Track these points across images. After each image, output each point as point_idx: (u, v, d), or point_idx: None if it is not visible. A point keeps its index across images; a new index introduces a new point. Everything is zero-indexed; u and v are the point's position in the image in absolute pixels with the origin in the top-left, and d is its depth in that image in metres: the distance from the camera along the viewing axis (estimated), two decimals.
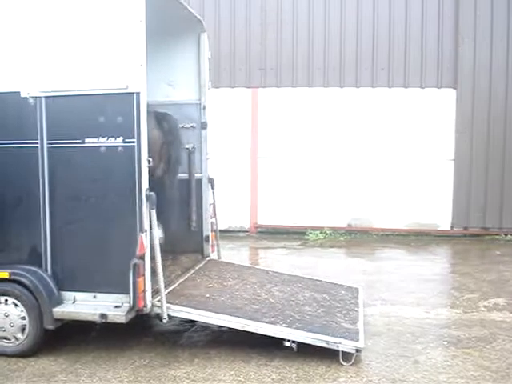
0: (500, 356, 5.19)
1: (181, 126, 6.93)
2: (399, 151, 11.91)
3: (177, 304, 5.25)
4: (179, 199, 6.72)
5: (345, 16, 11.88)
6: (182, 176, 6.97)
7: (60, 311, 5.08)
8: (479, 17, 11.46)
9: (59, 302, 5.15)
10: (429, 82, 11.77)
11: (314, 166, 12.12)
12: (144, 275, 4.94)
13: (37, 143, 5.15)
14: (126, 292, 4.92)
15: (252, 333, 5.12)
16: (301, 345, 5.02)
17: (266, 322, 5.16)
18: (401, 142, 11.88)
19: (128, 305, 4.95)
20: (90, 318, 5.03)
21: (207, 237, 7.13)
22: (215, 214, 7.20)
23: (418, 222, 11.93)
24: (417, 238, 11.58)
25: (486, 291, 7.44)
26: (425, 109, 11.80)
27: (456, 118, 11.74)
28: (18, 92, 5.14)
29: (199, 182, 7.09)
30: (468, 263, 9.35)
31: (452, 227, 11.91)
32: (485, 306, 6.77)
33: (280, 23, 12.05)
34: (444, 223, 11.91)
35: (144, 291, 4.95)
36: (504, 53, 11.48)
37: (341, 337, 5.04)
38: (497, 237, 11.52)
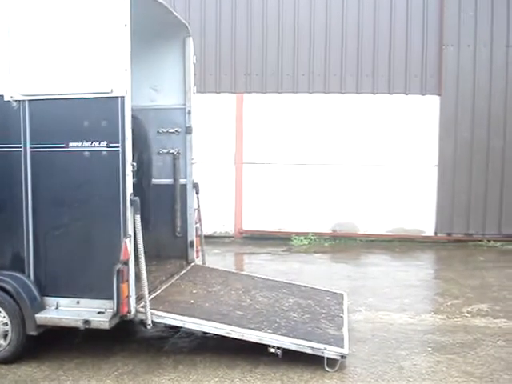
0: (484, 362, 5.21)
1: (165, 130, 6.92)
2: (383, 157, 11.97)
3: (161, 310, 5.20)
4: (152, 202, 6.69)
5: (330, 22, 11.93)
6: (166, 181, 6.94)
7: (43, 317, 5.01)
8: (463, 23, 11.57)
9: (42, 307, 5.09)
10: (413, 88, 11.85)
11: (298, 171, 12.13)
12: (128, 281, 4.90)
13: (20, 147, 5.09)
14: (110, 298, 4.88)
15: (237, 339, 5.10)
16: (286, 351, 5.00)
17: (251, 328, 5.13)
18: (385, 148, 11.94)
19: (112, 311, 4.90)
20: (73, 324, 4.98)
21: (192, 242, 7.07)
22: (200, 220, 7.15)
23: (403, 228, 11.98)
24: (401, 244, 11.61)
25: (470, 297, 7.47)
26: (409, 115, 11.88)
27: (440, 124, 11.83)
28: (2, 96, 5.09)
29: (184, 187, 7.03)
30: (452, 269, 9.39)
31: (436, 233, 11.99)
32: (468, 312, 6.79)
33: (266, 29, 12.07)
34: (428, 229, 11.98)
35: (128, 297, 4.92)
36: (488, 60, 11.59)
37: (326, 343, 5.03)
38: (480, 243, 11.57)
